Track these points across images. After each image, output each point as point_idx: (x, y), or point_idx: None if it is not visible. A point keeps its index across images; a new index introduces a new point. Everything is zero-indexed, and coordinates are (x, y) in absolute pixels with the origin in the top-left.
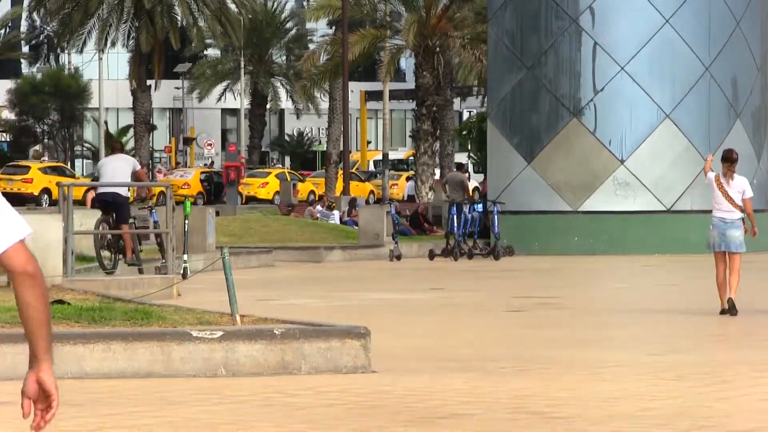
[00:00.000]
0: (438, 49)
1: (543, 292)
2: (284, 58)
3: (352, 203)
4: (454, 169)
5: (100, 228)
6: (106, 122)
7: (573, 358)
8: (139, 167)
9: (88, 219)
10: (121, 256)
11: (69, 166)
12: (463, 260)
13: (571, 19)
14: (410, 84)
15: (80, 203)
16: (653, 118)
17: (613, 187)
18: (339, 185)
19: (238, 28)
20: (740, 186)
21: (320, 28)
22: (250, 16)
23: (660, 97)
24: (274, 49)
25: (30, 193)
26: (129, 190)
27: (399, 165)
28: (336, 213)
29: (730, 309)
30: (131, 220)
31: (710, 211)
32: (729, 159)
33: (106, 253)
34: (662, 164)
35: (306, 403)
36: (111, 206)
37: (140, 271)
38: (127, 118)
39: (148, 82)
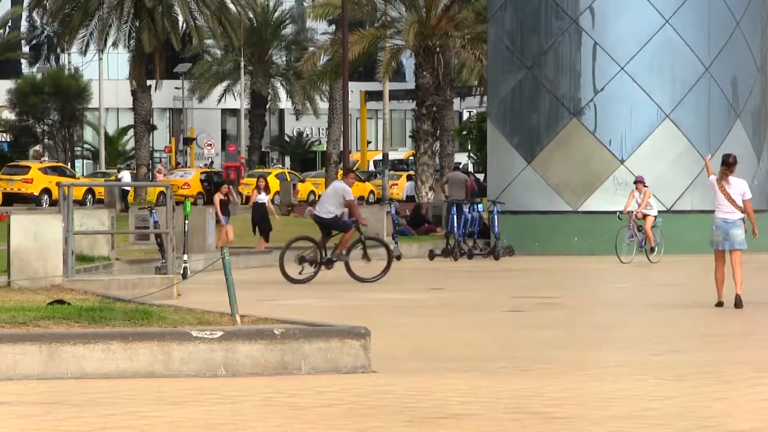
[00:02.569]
0: (438, 49)
1: (543, 292)
2: (284, 58)
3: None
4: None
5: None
6: (105, 127)
7: (573, 358)
8: (350, 197)
9: (88, 219)
10: (323, 267)
11: (69, 166)
12: (463, 260)
13: (571, 19)
14: (410, 84)
15: (80, 203)
16: (653, 118)
17: (613, 187)
18: None
19: (238, 28)
20: (740, 188)
21: (320, 28)
22: (250, 15)
23: (660, 97)
24: (273, 49)
25: (30, 193)
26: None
27: (399, 165)
28: None
29: (735, 303)
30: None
31: (710, 211)
32: (726, 163)
33: (301, 267)
34: (662, 164)
35: (306, 403)
36: (326, 226)
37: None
38: (127, 118)
39: (149, 82)
